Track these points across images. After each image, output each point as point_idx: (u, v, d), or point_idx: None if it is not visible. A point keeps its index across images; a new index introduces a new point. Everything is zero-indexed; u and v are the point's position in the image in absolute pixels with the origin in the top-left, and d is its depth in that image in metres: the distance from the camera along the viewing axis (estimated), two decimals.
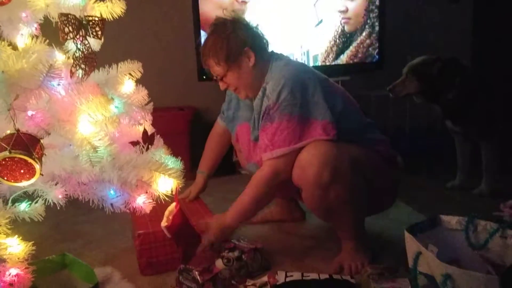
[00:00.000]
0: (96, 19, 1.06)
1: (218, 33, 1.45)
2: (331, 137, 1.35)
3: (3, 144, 0.91)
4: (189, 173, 1.43)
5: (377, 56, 2.76)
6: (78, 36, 1.02)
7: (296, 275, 1.34)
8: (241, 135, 1.63)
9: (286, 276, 1.33)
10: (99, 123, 1.11)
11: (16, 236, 1.00)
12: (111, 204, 1.19)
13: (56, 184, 1.13)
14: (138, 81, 1.28)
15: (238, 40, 1.43)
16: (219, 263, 1.34)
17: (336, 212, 1.40)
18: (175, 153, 1.34)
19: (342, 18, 2.66)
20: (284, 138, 1.37)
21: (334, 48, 2.69)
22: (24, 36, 1.12)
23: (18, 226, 1.06)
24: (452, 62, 2.06)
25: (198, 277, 1.24)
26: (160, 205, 1.28)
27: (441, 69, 2.03)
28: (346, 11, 2.66)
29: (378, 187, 1.44)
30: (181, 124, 2.54)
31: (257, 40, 1.47)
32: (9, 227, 0.99)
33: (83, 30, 1.03)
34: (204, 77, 2.50)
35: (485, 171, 2.11)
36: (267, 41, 1.51)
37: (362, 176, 1.38)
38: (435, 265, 1.05)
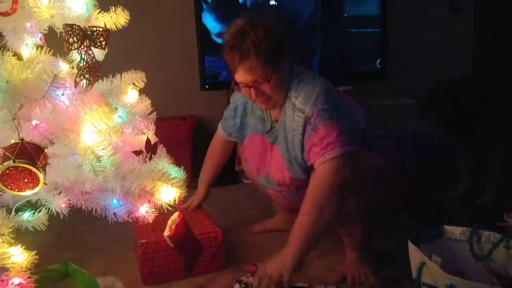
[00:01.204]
0: (100, 29, 1.06)
1: (258, 29, 1.27)
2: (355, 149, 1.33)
3: (7, 154, 0.91)
4: (191, 183, 1.42)
5: (379, 66, 2.77)
6: (82, 47, 1.03)
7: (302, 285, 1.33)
8: (251, 147, 1.57)
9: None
10: (102, 133, 1.12)
11: (19, 245, 1.00)
12: (114, 214, 1.20)
13: (59, 193, 1.13)
14: (141, 91, 1.29)
15: (280, 37, 1.30)
16: None
17: (349, 221, 1.39)
18: (177, 162, 1.33)
19: None
20: (335, 139, 1.29)
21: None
22: (28, 46, 1.12)
23: (21, 235, 1.06)
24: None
25: None
26: (162, 215, 1.28)
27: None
28: None
29: (389, 196, 1.43)
30: (184, 134, 2.54)
31: (289, 41, 1.37)
32: (12, 236, 0.99)
33: (87, 41, 1.04)
34: (207, 86, 2.52)
35: (488, 182, 2.10)
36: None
37: (378, 186, 1.37)
38: (439, 276, 1.05)
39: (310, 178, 1.33)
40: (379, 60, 2.75)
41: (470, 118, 2.02)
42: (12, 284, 0.92)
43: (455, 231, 1.25)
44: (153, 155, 1.26)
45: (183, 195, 1.25)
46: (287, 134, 1.41)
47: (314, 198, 1.28)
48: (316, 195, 1.28)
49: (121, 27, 1.18)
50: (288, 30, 1.41)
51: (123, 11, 1.18)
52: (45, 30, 1.12)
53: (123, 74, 1.23)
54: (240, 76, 1.32)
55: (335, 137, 1.30)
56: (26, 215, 1.09)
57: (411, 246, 1.16)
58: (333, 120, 1.32)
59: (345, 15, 2.73)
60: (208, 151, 1.79)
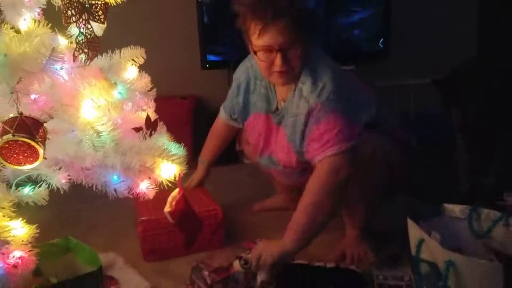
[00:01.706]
0: (99, 3, 1.05)
1: None
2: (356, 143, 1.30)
3: (6, 127, 0.91)
4: (192, 162, 1.42)
5: (382, 46, 2.74)
6: (81, 20, 1.01)
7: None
8: (254, 126, 1.53)
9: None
10: (102, 108, 1.11)
11: (20, 219, 1.00)
12: (115, 190, 1.19)
13: (59, 169, 1.13)
14: (140, 69, 1.28)
15: (308, 8, 1.29)
16: (236, 264, 1.26)
17: (354, 202, 1.40)
18: (178, 142, 1.33)
19: None
20: (335, 136, 1.26)
21: None
22: (26, 20, 1.11)
23: (22, 213, 1.06)
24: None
25: (207, 278, 1.22)
26: (163, 193, 1.28)
27: None
28: None
29: (395, 175, 1.43)
30: (184, 113, 2.53)
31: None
32: (12, 210, 1.00)
33: (86, 14, 1.03)
34: (208, 65, 2.50)
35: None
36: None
37: (388, 170, 1.36)
38: (438, 252, 1.05)
39: (311, 175, 1.30)
40: (382, 40, 2.72)
41: (504, 101, 1.91)
42: (13, 257, 0.93)
43: (455, 209, 1.25)
44: (153, 132, 1.26)
45: (183, 172, 1.26)
46: (290, 117, 1.39)
47: (312, 197, 1.26)
48: (314, 194, 1.26)
49: (120, 2, 1.16)
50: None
51: None
52: (43, 4, 1.11)
53: (122, 50, 1.22)
54: (269, 37, 1.23)
55: (335, 133, 1.27)
56: (27, 190, 1.09)
57: (410, 223, 1.16)
58: (337, 113, 1.28)
59: None
60: (210, 132, 1.77)
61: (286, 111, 1.40)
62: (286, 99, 1.40)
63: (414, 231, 1.14)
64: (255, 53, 1.29)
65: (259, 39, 1.24)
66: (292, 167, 1.47)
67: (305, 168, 1.43)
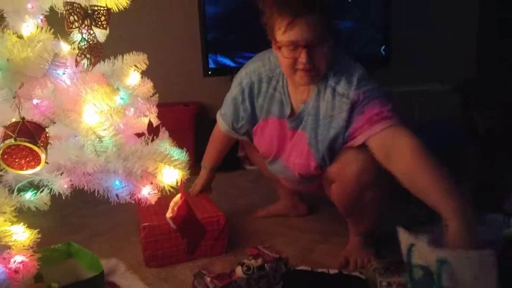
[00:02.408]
0: (102, 8, 1.05)
1: None
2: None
3: (9, 132, 0.91)
4: (194, 168, 1.42)
5: (383, 53, 2.74)
6: (83, 26, 1.02)
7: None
8: (264, 131, 1.47)
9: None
10: (104, 114, 1.11)
11: (22, 224, 1.00)
12: (117, 195, 1.19)
13: (61, 174, 1.13)
14: (143, 76, 1.28)
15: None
16: (239, 271, 1.26)
17: (362, 211, 1.39)
18: (180, 148, 1.33)
19: None
20: (387, 112, 1.25)
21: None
22: (29, 27, 1.12)
23: (24, 218, 1.06)
24: None
25: (210, 284, 1.21)
26: (165, 199, 1.28)
27: None
28: None
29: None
30: (186, 119, 2.54)
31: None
32: (14, 214, 1.00)
33: (88, 20, 1.03)
34: (210, 72, 2.51)
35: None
36: None
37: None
38: (428, 253, 1.02)
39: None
40: (383, 46, 2.72)
41: None
42: (14, 262, 0.92)
43: None
44: (155, 137, 1.26)
45: (185, 178, 1.25)
46: (319, 119, 1.34)
47: (415, 159, 1.16)
48: (414, 153, 1.17)
49: (122, 9, 1.17)
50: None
51: None
52: (46, 11, 1.12)
53: (124, 55, 1.23)
54: (296, 32, 1.20)
55: (386, 111, 1.25)
56: (28, 195, 1.09)
57: (400, 230, 1.14)
58: (381, 98, 1.28)
59: (349, 0, 2.70)
60: (211, 138, 1.75)
61: (307, 114, 1.36)
62: (307, 101, 1.36)
63: (404, 237, 1.12)
64: (279, 49, 1.27)
65: (285, 34, 1.21)
66: (309, 173, 1.43)
67: (315, 176, 1.43)
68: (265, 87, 1.42)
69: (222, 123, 1.60)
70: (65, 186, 1.13)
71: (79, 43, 1.04)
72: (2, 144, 0.90)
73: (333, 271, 1.32)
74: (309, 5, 1.18)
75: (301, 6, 1.18)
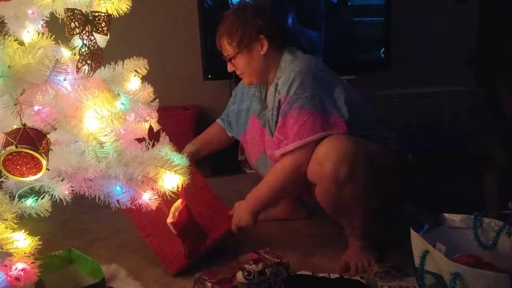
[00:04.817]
0: (102, 14, 1.05)
1: (237, 15, 1.47)
2: (342, 132, 1.35)
3: (10, 139, 0.91)
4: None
5: (383, 55, 2.75)
6: (84, 32, 1.02)
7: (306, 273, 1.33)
8: (251, 130, 1.62)
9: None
10: (105, 119, 1.11)
11: (23, 231, 1.00)
12: (117, 201, 1.19)
13: (62, 180, 1.12)
14: (143, 80, 1.28)
15: (255, 26, 1.45)
16: (240, 276, 1.27)
17: (348, 209, 1.39)
18: (180, 152, 1.33)
19: None
20: (298, 131, 1.37)
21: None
22: (30, 33, 1.12)
23: (24, 224, 1.06)
24: None
25: None
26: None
27: None
28: None
29: (389, 186, 1.43)
30: (187, 124, 2.54)
31: (274, 30, 1.48)
32: (15, 221, 1.00)
33: (89, 26, 1.03)
34: (210, 76, 2.51)
35: None
36: (283, 32, 1.53)
37: (376, 174, 1.37)
38: (443, 264, 1.04)
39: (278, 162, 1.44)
40: (383, 49, 2.73)
41: None
42: (16, 269, 0.92)
43: (455, 218, 1.24)
44: (156, 143, 1.26)
45: (186, 183, 1.25)
46: (273, 115, 1.48)
47: (276, 179, 1.45)
48: (277, 177, 1.44)
49: (123, 14, 1.17)
50: (273, 20, 1.51)
51: None
52: (47, 17, 1.12)
53: (125, 61, 1.23)
54: (221, 50, 1.52)
55: (297, 128, 1.37)
56: (29, 201, 1.08)
57: (413, 234, 1.15)
58: (301, 108, 1.37)
59: (349, 3, 2.71)
60: (207, 130, 1.80)
61: (268, 110, 1.52)
62: (268, 100, 1.52)
63: (418, 242, 1.13)
64: None
65: None
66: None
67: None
68: (253, 90, 1.62)
69: (219, 119, 1.78)
70: (66, 192, 1.12)
71: (80, 49, 1.04)
72: (3, 151, 0.90)
73: (334, 276, 1.32)
74: (220, 33, 1.49)
75: (217, 32, 1.50)
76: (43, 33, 1.07)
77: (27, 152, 0.91)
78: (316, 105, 1.37)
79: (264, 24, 1.46)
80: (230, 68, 1.53)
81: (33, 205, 1.08)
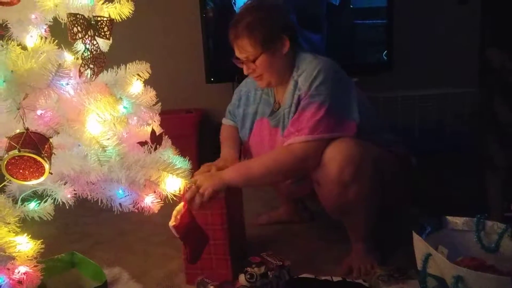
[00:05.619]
0: (105, 19, 1.06)
1: (258, 12, 1.39)
2: (351, 135, 1.34)
3: (13, 143, 0.92)
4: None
5: (385, 58, 2.75)
6: (86, 36, 1.03)
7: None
8: (256, 133, 1.56)
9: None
10: (107, 123, 1.12)
11: (25, 234, 1.00)
12: (120, 204, 1.19)
13: (65, 184, 1.13)
14: (146, 84, 1.29)
15: (279, 24, 1.40)
16: (242, 279, 1.26)
17: (351, 211, 1.39)
18: (183, 156, 1.33)
19: None
20: (313, 126, 1.33)
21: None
22: (33, 37, 1.13)
23: (27, 227, 1.07)
24: None
25: None
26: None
27: None
28: None
29: (393, 189, 1.43)
30: (189, 127, 2.55)
31: (293, 28, 1.46)
32: (18, 225, 1.00)
33: (91, 30, 1.04)
34: (212, 79, 2.51)
35: None
36: (297, 32, 1.49)
37: (380, 177, 1.37)
38: (445, 267, 1.03)
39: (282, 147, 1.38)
40: (385, 51, 2.73)
41: None
42: (18, 272, 0.93)
43: (458, 221, 1.23)
44: (158, 146, 1.26)
45: (188, 186, 1.25)
46: (290, 113, 1.43)
47: (273, 163, 1.36)
48: (277, 162, 1.36)
49: (125, 18, 1.17)
50: (289, 17, 1.48)
51: (128, 1, 1.17)
52: (50, 21, 1.13)
53: (127, 65, 1.23)
54: (236, 51, 1.43)
55: (314, 122, 1.33)
56: (32, 205, 1.09)
57: (415, 237, 1.14)
58: (321, 104, 1.34)
59: (351, 6, 2.71)
60: (221, 137, 1.69)
61: (283, 110, 1.46)
62: (283, 99, 1.47)
63: (420, 246, 1.12)
64: None
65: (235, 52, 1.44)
66: None
67: (301, 178, 1.44)
68: (259, 93, 1.57)
69: (224, 119, 1.72)
70: (69, 195, 1.13)
71: (82, 54, 1.05)
72: (7, 155, 0.91)
73: (336, 279, 1.32)
74: (238, 33, 1.38)
75: (234, 32, 1.39)
76: (46, 38, 1.08)
77: (30, 156, 0.92)
78: (334, 104, 1.35)
79: (286, 22, 1.43)
80: (246, 71, 1.45)
81: (36, 208, 1.09)
